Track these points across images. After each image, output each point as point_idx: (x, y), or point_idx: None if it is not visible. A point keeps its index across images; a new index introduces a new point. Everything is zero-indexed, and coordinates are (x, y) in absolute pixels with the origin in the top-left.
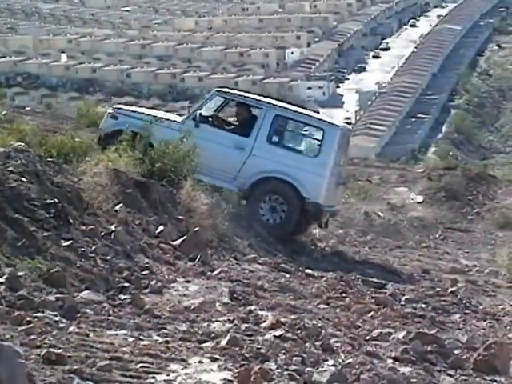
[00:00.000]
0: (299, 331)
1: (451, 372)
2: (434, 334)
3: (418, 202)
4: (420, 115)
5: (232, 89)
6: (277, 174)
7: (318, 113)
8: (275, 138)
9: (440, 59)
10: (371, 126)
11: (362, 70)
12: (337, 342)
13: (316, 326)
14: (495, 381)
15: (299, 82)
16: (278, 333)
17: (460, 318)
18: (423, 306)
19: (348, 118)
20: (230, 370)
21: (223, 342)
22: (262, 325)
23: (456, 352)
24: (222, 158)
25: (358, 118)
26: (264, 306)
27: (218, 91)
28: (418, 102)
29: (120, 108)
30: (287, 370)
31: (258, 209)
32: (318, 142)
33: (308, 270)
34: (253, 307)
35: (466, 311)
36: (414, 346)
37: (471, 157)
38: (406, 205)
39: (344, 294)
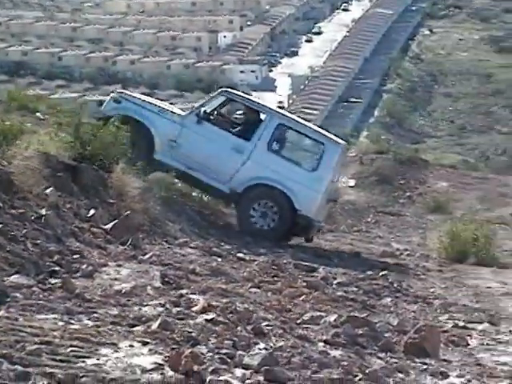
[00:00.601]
0: (230, 315)
1: (382, 355)
2: (364, 318)
3: (350, 186)
4: (352, 99)
5: (238, 90)
6: (272, 183)
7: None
8: (275, 146)
9: (372, 43)
10: (303, 109)
11: (295, 54)
12: (268, 325)
13: (247, 310)
14: (425, 363)
15: (232, 66)
16: (210, 316)
17: (391, 301)
18: (354, 289)
19: (280, 102)
20: (160, 353)
21: (154, 326)
22: (194, 308)
23: (387, 335)
24: (219, 158)
25: (290, 101)
26: (195, 289)
27: (225, 91)
28: (351, 86)
29: (124, 93)
30: (218, 353)
31: (248, 212)
32: (318, 157)
33: (240, 254)
34: (184, 291)
35: (397, 295)
36: (345, 329)
37: (403, 141)
38: (337, 189)
39: (276, 278)
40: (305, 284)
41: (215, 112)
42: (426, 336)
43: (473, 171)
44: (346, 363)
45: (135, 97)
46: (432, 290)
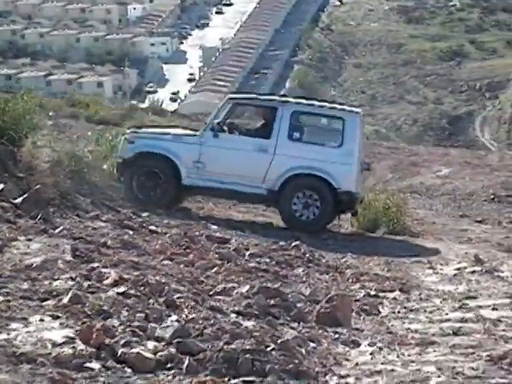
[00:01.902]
0: (142, 288)
1: (294, 325)
2: (277, 288)
3: None
4: (263, 71)
5: (243, 93)
6: (305, 170)
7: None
8: (296, 135)
9: (283, 15)
10: (215, 81)
11: (206, 25)
12: (180, 297)
13: (159, 282)
14: (337, 332)
15: (142, 39)
16: (121, 289)
17: (303, 271)
18: (267, 260)
19: (192, 74)
20: (71, 327)
21: (65, 300)
22: (105, 282)
23: (299, 305)
24: (246, 163)
25: (201, 73)
26: (107, 263)
27: (232, 98)
28: (262, 58)
29: (134, 131)
30: (130, 326)
31: (291, 207)
32: (340, 131)
33: (152, 227)
34: (95, 264)
35: (309, 265)
36: (257, 300)
37: None
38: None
39: (188, 250)
40: (217, 256)
41: (227, 121)
42: (337, 305)
43: (384, 141)
44: (258, 334)
45: (146, 132)
46: (344, 259)
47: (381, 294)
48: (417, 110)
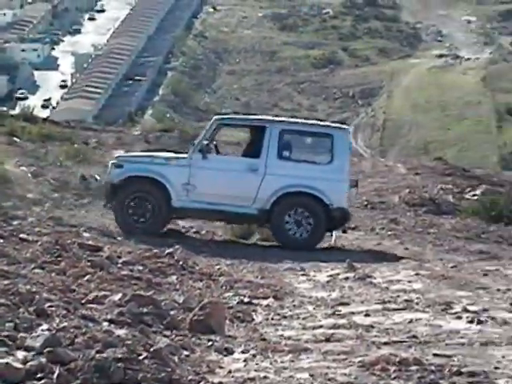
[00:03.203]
0: (12, 297)
1: (167, 333)
2: (150, 296)
3: None
4: (137, 77)
5: (230, 113)
6: (296, 188)
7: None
8: (286, 153)
9: (156, 21)
10: (87, 88)
11: (78, 32)
12: (51, 306)
13: (30, 291)
14: (210, 340)
15: (12, 45)
16: None
17: (177, 279)
18: (140, 268)
19: (64, 81)
20: None
21: None
22: None
23: (172, 313)
24: (236, 183)
25: (73, 80)
26: None
27: (219, 119)
28: (135, 65)
29: (121, 156)
30: None
31: (283, 226)
32: (329, 148)
33: (22, 235)
34: None
35: (183, 272)
36: (130, 308)
37: (188, 119)
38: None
39: (59, 258)
40: (89, 264)
41: (214, 142)
42: (211, 313)
43: None
44: (130, 342)
45: (134, 156)
46: (218, 266)
47: (254, 301)
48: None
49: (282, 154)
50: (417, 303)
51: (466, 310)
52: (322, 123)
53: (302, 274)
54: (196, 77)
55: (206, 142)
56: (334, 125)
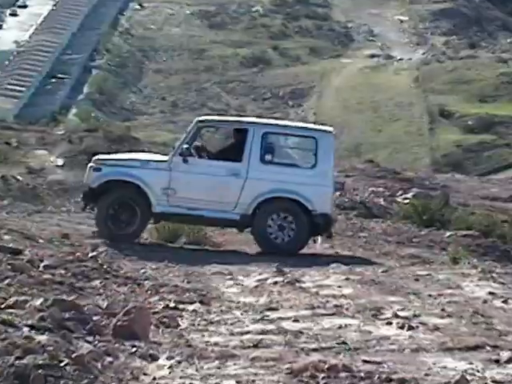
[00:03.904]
0: None
1: (90, 338)
2: (72, 301)
3: (58, 166)
4: (60, 75)
5: (212, 115)
6: (278, 194)
7: None
8: (268, 157)
9: (80, 18)
10: (9, 86)
11: None
12: None
13: None
14: (135, 346)
15: None
16: None
17: (100, 283)
18: (62, 272)
19: None
20: None
21: None
22: None
23: (95, 318)
24: (217, 188)
25: None
26: None
27: (201, 121)
28: (58, 62)
29: (99, 158)
30: None
31: (266, 231)
32: (313, 152)
33: None
34: None
35: (107, 276)
36: (52, 313)
37: (114, 118)
38: (45, 168)
39: None
40: (9, 267)
41: (194, 145)
42: (135, 318)
43: None
44: (51, 348)
45: (113, 158)
46: (143, 270)
47: (180, 306)
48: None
49: (264, 158)
50: (347, 308)
51: (396, 316)
52: (306, 125)
53: (230, 279)
54: (122, 75)
55: (186, 146)
56: (318, 127)
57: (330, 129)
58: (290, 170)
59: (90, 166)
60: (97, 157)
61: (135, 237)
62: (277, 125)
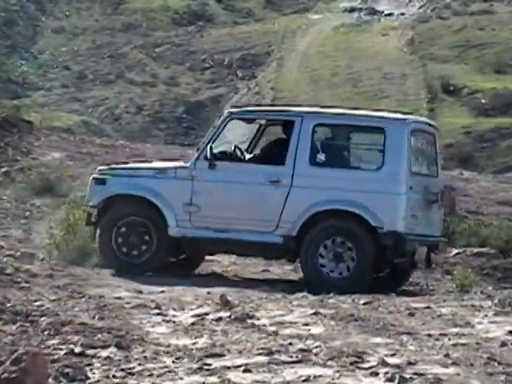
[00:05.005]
0: None
1: None
2: None
3: None
4: None
5: (245, 106)
6: (332, 206)
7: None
8: (320, 157)
9: None
10: None
11: None
12: None
13: None
14: None
15: None
16: None
17: None
18: None
19: None
20: None
21: None
22: None
23: None
24: (254, 201)
25: None
26: None
27: (232, 113)
28: None
29: (104, 169)
30: None
31: (317, 262)
32: (380, 148)
33: None
34: None
35: None
36: None
37: None
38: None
39: None
40: None
41: (224, 144)
42: (27, 368)
43: (96, 137)
44: None
45: (120, 168)
46: (38, 303)
47: (90, 352)
48: (142, 94)
49: (315, 158)
50: (316, 354)
51: (384, 364)
52: (371, 113)
53: (158, 313)
54: (9, 37)
55: (212, 145)
56: (388, 115)
57: (406, 117)
58: (348, 173)
59: (93, 179)
60: (101, 167)
61: (153, 266)
62: (331, 114)
